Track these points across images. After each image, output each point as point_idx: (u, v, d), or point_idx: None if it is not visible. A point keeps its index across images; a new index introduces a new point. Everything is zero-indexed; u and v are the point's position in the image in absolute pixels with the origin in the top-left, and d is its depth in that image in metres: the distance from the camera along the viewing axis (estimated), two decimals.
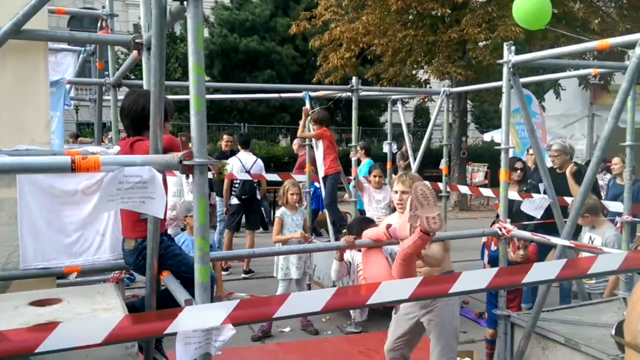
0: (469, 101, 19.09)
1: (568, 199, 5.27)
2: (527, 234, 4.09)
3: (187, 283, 2.38)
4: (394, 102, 8.29)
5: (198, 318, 2.08)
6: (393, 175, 6.88)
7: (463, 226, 10.38)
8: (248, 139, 8.91)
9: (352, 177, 6.61)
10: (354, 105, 6.39)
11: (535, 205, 5.19)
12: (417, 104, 22.18)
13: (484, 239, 4.84)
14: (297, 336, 5.80)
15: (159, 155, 2.34)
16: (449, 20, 14.44)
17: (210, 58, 19.51)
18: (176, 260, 2.80)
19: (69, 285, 3.25)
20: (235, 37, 20.22)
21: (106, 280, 3.60)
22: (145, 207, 2.19)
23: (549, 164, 5.95)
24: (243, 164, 8.10)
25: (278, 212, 6.06)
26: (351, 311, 5.73)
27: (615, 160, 6.91)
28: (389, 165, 8.06)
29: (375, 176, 6.73)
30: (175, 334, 2.05)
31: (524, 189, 6.14)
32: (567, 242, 3.59)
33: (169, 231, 3.80)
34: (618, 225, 4.36)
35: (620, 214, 4.44)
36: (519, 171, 6.34)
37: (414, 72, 16.01)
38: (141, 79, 3.33)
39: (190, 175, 2.12)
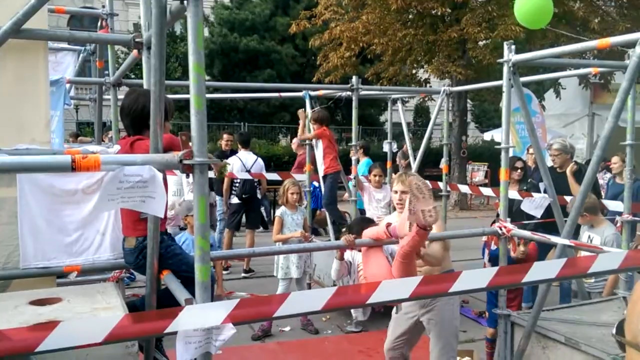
0: (469, 100, 19.10)
1: (568, 198, 5.27)
2: (527, 233, 4.09)
3: (188, 282, 2.38)
4: (394, 101, 8.29)
5: (198, 317, 2.08)
6: (393, 175, 6.88)
7: (463, 225, 10.38)
8: (248, 138, 8.91)
9: (352, 177, 6.61)
10: (354, 104, 6.39)
11: (535, 204, 5.19)
12: (417, 103, 22.16)
13: (484, 238, 4.84)
14: (297, 335, 5.81)
15: (160, 155, 2.34)
16: (449, 19, 14.43)
17: (210, 57, 19.51)
18: (177, 260, 2.80)
19: (69, 284, 3.25)
20: (235, 36, 20.21)
21: (106, 280, 3.60)
22: (146, 206, 2.19)
23: (549, 163, 5.95)
24: (243, 163, 8.10)
25: (278, 212, 6.06)
26: (353, 310, 5.73)
27: (615, 159, 6.91)
28: (389, 164, 8.06)
29: (375, 175, 6.73)
30: (175, 333, 2.05)
31: (524, 188, 6.15)
32: (567, 242, 3.59)
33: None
34: (618, 224, 4.36)
35: (620, 213, 4.44)
36: (519, 170, 6.34)
37: (414, 71, 16.01)
38: (141, 78, 3.33)
39: (191, 175, 2.12)
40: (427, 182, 3.58)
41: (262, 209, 9.93)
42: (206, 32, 20.15)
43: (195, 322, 2.07)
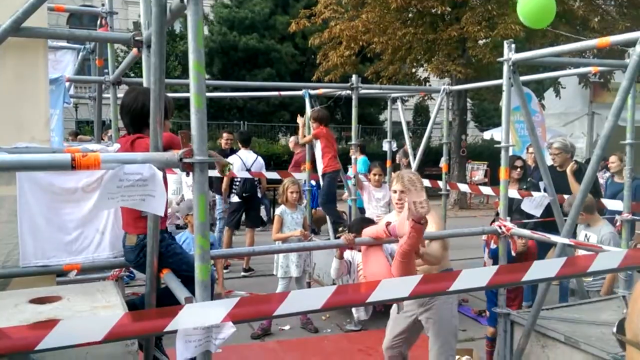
0: (468, 99, 19.10)
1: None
2: (527, 232, 4.09)
3: (188, 282, 2.38)
4: (394, 100, 8.28)
5: (198, 316, 2.08)
6: (393, 174, 6.89)
7: (463, 224, 10.38)
8: (248, 137, 8.91)
9: (352, 175, 6.61)
10: (354, 103, 6.39)
11: (535, 203, 5.19)
12: (416, 102, 22.16)
13: (484, 237, 4.85)
14: (297, 334, 5.81)
15: (160, 153, 2.34)
16: (448, 18, 14.43)
17: (209, 56, 19.49)
18: (177, 259, 2.80)
19: (68, 283, 3.25)
20: (235, 35, 20.19)
21: (106, 278, 3.60)
22: (146, 204, 2.19)
23: (548, 162, 5.95)
24: (244, 162, 8.10)
25: (278, 211, 6.06)
26: (354, 310, 5.74)
27: (613, 158, 6.90)
28: (388, 163, 8.06)
29: (375, 174, 6.73)
30: (175, 331, 2.06)
31: (524, 187, 6.15)
32: (566, 241, 3.59)
33: None
34: (618, 223, 4.36)
35: (619, 213, 4.44)
36: (518, 169, 6.34)
37: (413, 70, 16.00)
38: (141, 76, 3.33)
39: (191, 173, 2.12)
40: (419, 175, 3.59)
41: (262, 208, 9.92)
42: (206, 31, 20.12)
43: (195, 321, 2.07)
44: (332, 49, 15.11)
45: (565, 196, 5.20)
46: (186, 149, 2.09)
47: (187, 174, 2.14)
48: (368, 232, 3.85)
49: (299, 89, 7.13)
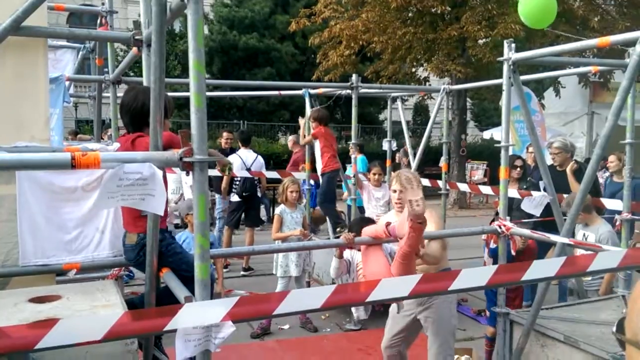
0: (468, 99, 19.09)
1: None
2: (526, 232, 4.10)
3: (187, 282, 2.38)
4: (394, 99, 8.28)
5: (198, 315, 2.08)
6: (392, 173, 6.90)
7: (462, 224, 10.39)
8: (248, 136, 8.90)
9: (352, 175, 6.61)
10: (354, 102, 6.39)
11: (534, 203, 5.19)
12: (416, 101, 22.15)
13: (484, 237, 4.85)
14: (296, 333, 5.81)
15: (160, 152, 2.34)
16: (448, 17, 14.42)
17: (209, 55, 19.47)
18: (177, 259, 2.80)
19: (68, 282, 3.25)
20: (235, 34, 20.18)
21: (105, 277, 3.60)
22: (145, 204, 2.19)
23: (548, 161, 5.95)
24: (244, 161, 8.10)
25: (277, 210, 6.06)
26: (353, 309, 5.74)
27: (611, 158, 6.90)
28: (388, 163, 8.06)
29: (374, 174, 6.73)
30: (175, 330, 2.06)
31: (524, 186, 6.15)
32: (566, 240, 3.59)
33: None
34: (618, 223, 4.36)
35: (618, 212, 4.44)
36: (518, 169, 6.34)
37: (413, 69, 16.00)
38: (140, 76, 3.33)
39: (190, 173, 2.12)
40: (417, 174, 3.60)
41: (262, 207, 9.95)
42: (205, 30, 20.09)
43: (195, 320, 2.07)
44: (332, 48, 15.11)
45: (565, 196, 5.20)
46: (186, 148, 2.09)
47: (187, 173, 2.14)
48: (368, 232, 3.85)
49: (299, 88, 7.13)
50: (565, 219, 3.72)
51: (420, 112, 26.71)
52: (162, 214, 2.31)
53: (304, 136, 6.92)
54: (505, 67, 3.92)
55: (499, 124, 17.53)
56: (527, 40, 13.44)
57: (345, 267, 4.30)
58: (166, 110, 2.56)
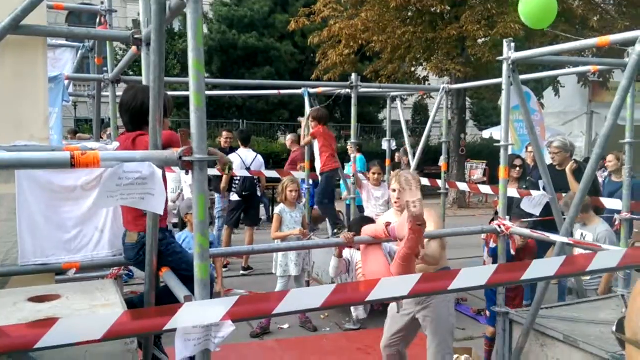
0: (467, 98, 19.09)
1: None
2: (526, 231, 4.10)
3: (187, 281, 2.38)
4: (393, 99, 8.28)
5: (197, 314, 2.08)
6: (392, 173, 6.90)
7: (462, 223, 10.39)
8: (248, 135, 8.90)
9: (351, 175, 6.61)
10: (353, 102, 6.39)
11: (534, 202, 5.20)
12: (416, 101, 22.14)
13: (484, 236, 4.85)
14: (296, 333, 5.81)
15: (159, 151, 2.34)
16: (448, 17, 14.41)
17: (209, 54, 19.46)
18: (176, 258, 2.80)
19: (67, 281, 3.25)
20: (234, 33, 20.16)
21: (105, 277, 3.60)
22: (145, 203, 2.19)
23: (548, 161, 5.95)
24: (243, 161, 8.10)
25: (277, 209, 6.06)
26: (352, 309, 5.74)
27: (610, 157, 6.90)
28: (387, 162, 8.06)
29: (374, 173, 6.73)
30: (174, 330, 2.05)
31: (524, 186, 6.15)
32: (565, 239, 3.59)
33: None
34: (617, 222, 4.36)
35: (617, 212, 4.44)
36: (518, 168, 6.34)
37: (413, 69, 15.99)
38: (140, 75, 3.32)
39: (190, 172, 2.11)
40: (417, 175, 3.60)
41: (262, 207, 9.94)
42: (205, 29, 20.04)
43: (195, 319, 2.07)
44: (331, 47, 15.10)
45: (564, 195, 5.21)
46: (186, 147, 2.09)
47: (187, 173, 2.14)
48: (367, 231, 3.85)
49: (298, 87, 7.12)
50: (564, 219, 3.72)
51: (420, 112, 26.71)
52: (162, 213, 2.31)
53: (304, 137, 6.92)
54: (504, 67, 3.92)
55: (498, 123, 17.52)
56: (526, 40, 13.45)
57: (345, 266, 4.30)
58: (165, 109, 2.56)
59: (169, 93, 3.85)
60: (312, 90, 6.88)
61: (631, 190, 4.19)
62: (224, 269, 7.77)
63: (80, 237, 3.06)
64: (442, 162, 7.32)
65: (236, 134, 9.30)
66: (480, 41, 13.96)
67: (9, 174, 2.84)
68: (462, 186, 9.06)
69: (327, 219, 6.90)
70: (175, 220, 6.83)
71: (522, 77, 4.52)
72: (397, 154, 12.42)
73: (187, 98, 2.18)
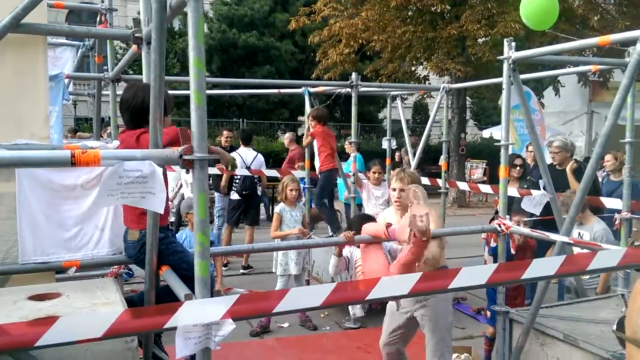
0: (468, 98, 19.09)
1: None
2: (526, 231, 4.10)
3: (187, 281, 2.37)
4: (393, 98, 8.28)
5: (198, 313, 2.08)
6: (392, 172, 6.90)
7: (462, 223, 10.40)
8: (250, 135, 8.89)
9: (351, 174, 6.61)
10: (354, 101, 6.38)
11: (534, 202, 5.19)
12: (416, 100, 22.14)
13: (484, 236, 4.85)
14: (296, 332, 5.81)
15: (160, 150, 2.34)
16: (448, 16, 14.41)
17: (209, 53, 19.44)
18: (177, 257, 2.80)
19: (68, 279, 3.24)
20: (234, 32, 20.16)
21: (105, 275, 3.60)
22: (145, 202, 2.19)
23: (548, 160, 5.95)
24: (243, 160, 8.10)
25: (277, 208, 6.06)
26: (350, 307, 5.74)
27: (608, 157, 6.89)
28: (388, 161, 8.07)
29: (374, 172, 6.72)
30: (175, 328, 2.05)
31: (524, 185, 6.15)
32: (565, 239, 3.59)
33: None
34: (617, 222, 4.36)
35: (617, 211, 4.44)
36: (518, 168, 6.34)
37: (413, 68, 15.99)
38: (140, 73, 3.32)
39: (190, 171, 2.11)
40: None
41: (262, 206, 9.94)
42: (205, 28, 19.98)
43: (195, 318, 2.07)
44: (331, 46, 15.10)
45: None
46: (186, 145, 2.09)
47: (187, 171, 2.14)
48: (368, 230, 3.85)
49: (299, 86, 7.12)
50: (564, 218, 3.72)
51: (420, 111, 26.72)
52: (162, 212, 2.31)
53: (306, 137, 6.91)
54: (505, 66, 3.92)
55: (498, 122, 17.53)
56: (526, 39, 13.45)
57: (344, 264, 4.30)
58: (166, 107, 2.55)
59: (169, 92, 3.85)
60: (312, 90, 6.88)
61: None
62: (224, 268, 7.78)
63: (81, 236, 3.06)
64: (442, 161, 7.32)
65: (238, 133, 9.30)
66: (480, 40, 13.96)
67: (9, 172, 2.84)
68: (462, 185, 9.07)
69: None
70: (171, 219, 6.83)
71: (523, 76, 4.51)
72: (397, 153, 12.44)
73: (187, 97, 2.18)
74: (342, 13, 14.98)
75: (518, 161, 6.42)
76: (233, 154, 8.09)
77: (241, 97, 19.26)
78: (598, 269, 2.88)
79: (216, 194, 8.57)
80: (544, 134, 9.25)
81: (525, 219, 4.98)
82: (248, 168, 7.96)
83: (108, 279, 3.03)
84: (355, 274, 4.27)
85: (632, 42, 3.25)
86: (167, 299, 2.50)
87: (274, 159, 16.42)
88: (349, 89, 6.49)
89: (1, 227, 2.91)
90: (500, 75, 4.08)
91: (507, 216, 4.07)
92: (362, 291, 2.44)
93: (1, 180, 2.87)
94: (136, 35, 2.96)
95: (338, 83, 7.53)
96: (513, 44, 3.91)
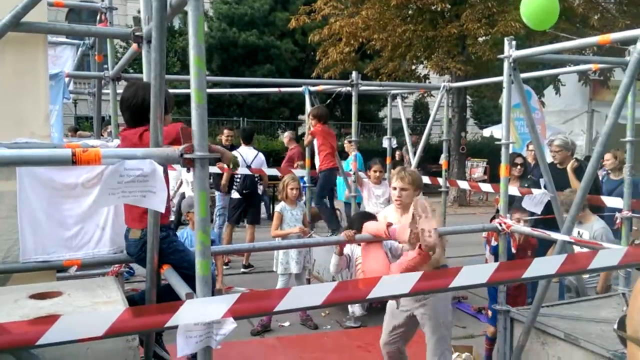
0: (468, 97, 19.09)
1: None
2: (527, 229, 4.09)
3: (188, 280, 2.38)
4: (394, 97, 8.28)
5: (199, 311, 2.08)
6: (392, 171, 6.90)
7: (462, 222, 10.40)
8: (250, 134, 8.89)
9: (352, 172, 6.61)
10: (354, 100, 6.38)
11: (535, 201, 5.19)
12: (416, 99, 22.16)
13: (485, 235, 4.85)
14: (297, 330, 5.81)
15: (160, 149, 2.34)
16: (448, 15, 14.40)
17: (209, 52, 19.41)
18: (178, 256, 2.80)
19: (69, 278, 3.25)
20: (235, 31, 20.15)
21: (106, 274, 3.60)
22: (146, 201, 2.19)
23: (548, 159, 5.95)
24: (244, 159, 8.10)
25: (278, 207, 6.06)
26: (349, 306, 5.74)
27: (607, 156, 6.89)
28: (388, 160, 8.06)
29: (375, 171, 6.72)
30: (176, 327, 2.05)
31: (525, 184, 6.15)
32: (566, 238, 3.59)
33: None
34: (618, 221, 4.36)
35: (617, 210, 4.44)
36: (519, 166, 6.34)
37: (413, 67, 15.98)
38: (140, 72, 3.32)
39: (191, 169, 2.11)
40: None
41: (262, 205, 9.93)
42: (205, 27, 20.02)
43: (196, 317, 2.07)
44: (331, 45, 15.09)
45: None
46: (187, 144, 2.08)
47: (188, 170, 2.14)
48: (369, 228, 3.85)
49: (299, 85, 7.12)
50: (565, 217, 3.72)
51: (420, 110, 26.72)
52: (163, 211, 2.31)
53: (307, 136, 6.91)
54: (505, 65, 3.91)
55: (498, 121, 17.54)
56: (527, 38, 13.43)
57: (345, 263, 4.31)
58: (166, 106, 2.55)
59: (169, 90, 3.85)
60: (312, 88, 6.88)
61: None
62: (225, 267, 7.78)
63: (82, 235, 3.06)
64: (442, 160, 7.32)
65: (239, 132, 9.30)
66: (480, 39, 13.95)
67: (10, 171, 2.84)
68: (463, 184, 9.07)
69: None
70: (171, 218, 6.83)
71: (523, 75, 4.51)
72: (397, 152, 12.43)
73: (187, 96, 2.18)
74: (342, 12, 14.97)
75: (519, 160, 6.42)
76: (234, 153, 8.08)
77: (241, 95, 19.26)
78: (599, 268, 2.88)
79: (217, 193, 8.57)
80: (544, 133, 9.23)
81: (526, 217, 4.98)
82: (249, 167, 7.96)
83: (109, 278, 3.03)
84: (355, 271, 4.28)
85: (632, 41, 3.25)
86: (168, 298, 2.50)
87: (274, 157, 16.41)
88: (349, 88, 6.49)
89: (2, 226, 2.91)
90: (501, 74, 4.07)
91: (508, 215, 4.07)
92: (362, 290, 2.44)
93: (2, 179, 2.87)
94: (136, 34, 2.96)
95: (338, 82, 7.53)
96: (513, 42, 3.91)
